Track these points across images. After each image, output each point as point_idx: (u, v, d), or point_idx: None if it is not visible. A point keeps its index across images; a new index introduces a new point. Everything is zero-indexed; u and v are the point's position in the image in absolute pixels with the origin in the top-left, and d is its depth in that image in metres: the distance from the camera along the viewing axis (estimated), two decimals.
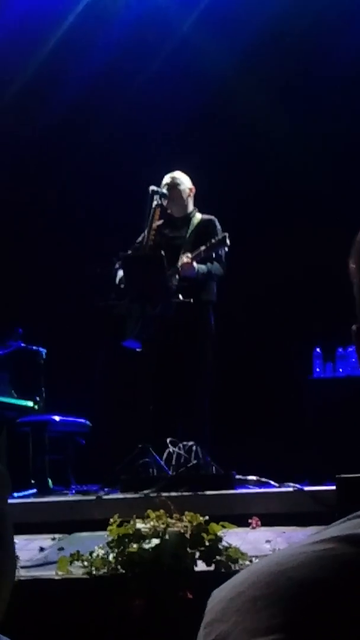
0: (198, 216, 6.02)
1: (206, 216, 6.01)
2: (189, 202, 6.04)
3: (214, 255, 5.70)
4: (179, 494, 4.63)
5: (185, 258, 5.67)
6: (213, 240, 5.69)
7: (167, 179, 6.00)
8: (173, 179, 6.00)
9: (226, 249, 5.64)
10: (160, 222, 5.96)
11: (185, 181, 6.02)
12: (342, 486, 4.03)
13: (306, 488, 4.77)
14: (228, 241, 5.61)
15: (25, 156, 8.02)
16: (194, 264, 5.67)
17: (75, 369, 7.21)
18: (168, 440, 5.19)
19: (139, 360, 5.78)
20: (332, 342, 6.42)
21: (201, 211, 6.07)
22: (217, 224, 5.96)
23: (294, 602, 0.68)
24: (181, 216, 6.01)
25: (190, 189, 6.04)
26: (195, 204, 6.08)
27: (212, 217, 6.00)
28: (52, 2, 8.04)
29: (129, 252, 5.94)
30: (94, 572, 3.70)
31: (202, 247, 5.67)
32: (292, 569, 0.70)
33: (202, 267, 5.72)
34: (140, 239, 5.94)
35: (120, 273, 5.90)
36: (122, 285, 5.85)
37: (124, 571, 3.62)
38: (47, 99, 8.04)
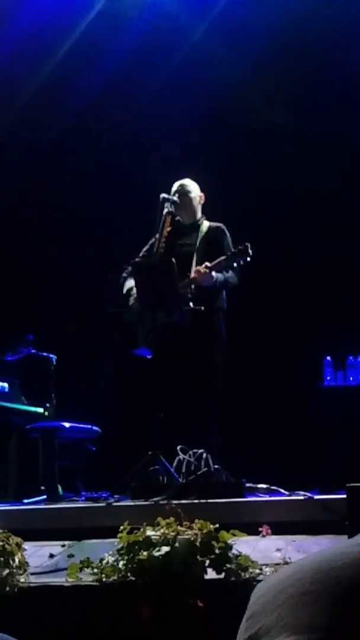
0: (206, 223, 6.02)
1: (214, 224, 6.02)
2: (198, 209, 6.06)
3: (234, 264, 5.69)
4: (189, 501, 4.62)
5: (202, 268, 5.67)
6: (234, 249, 5.69)
7: (177, 186, 6.01)
8: (184, 186, 6.01)
9: (248, 258, 5.62)
10: (169, 228, 5.97)
11: (195, 188, 6.04)
12: (352, 495, 4.02)
13: (316, 496, 4.75)
14: (250, 251, 5.60)
15: (36, 163, 8.05)
16: (213, 273, 5.67)
17: (85, 375, 7.22)
18: (178, 447, 5.18)
19: (149, 368, 5.77)
20: (342, 350, 6.41)
21: (210, 218, 6.08)
22: (227, 230, 5.97)
23: (338, 602, 0.68)
24: (190, 223, 6.02)
25: (200, 196, 6.05)
26: (204, 211, 6.09)
27: (221, 225, 6.01)
28: (64, 9, 8.08)
29: (138, 259, 5.95)
30: (103, 579, 3.70)
31: (223, 257, 5.67)
32: (339, 569, 0.70)
33: (220, 276, 5.72)
34: (147, 246, 5.95)
35: (128, 282, 5.90)
36: (132, 294, 5.85)
37: (133, 578, 3.62)
38: (58, 106, 8.07)
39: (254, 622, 0.73)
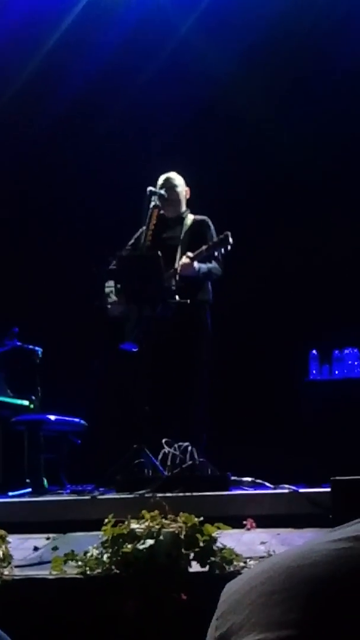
0: (190, 217, 6.02)
1: (199, 217, 6.02)
2: (183, 203, 6.06)
3: (215, 254, 5.70)
4: (174, 494, 4.63)
5: (185, 258, 5.67)
6: (215, 239, 5.69)
7: (163, 179, 6.00)
8: (171, 179, 6.00)
9: (229, 247, 5.62)
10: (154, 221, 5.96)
11: (181, 182, 6.05)
12: (337, 488, 4.03)
13: (301, 490, 4.76)
14: (231, 240, 5.60)
15: (23, 155, 8.02)
16: (195, 263, 5.66)
17: (71, 368, 7.20)
18: (163, 440, 5.18)
19: (135, 361, 5.77)
20: (328, 344, 6.42)
21: (196, 211, 6.07)
22: (211, 224, 5.97)
23: (309, 599, 0.68)
24: (174, 216, 6.01)
25: (186, 190, 6.06)
26: (192, 204, 6.09)
27: (205, 218, 6.01)
28: (52, 1, 8.04)
29: (124, 251, 5.94)
30: (88, 572, 3.70)
31: (204, 247, 5.67)
32: (309, 566, 0.70)
33: (203, 267, 5.72)
34: (134, 239, 5.95)
35: (108, 284, 5.87)
36: (111, 294, 5.83)
37: (118, 571, 3.62)
38: (46, 98, 8.04)
39: (224, 620, 0.73)
